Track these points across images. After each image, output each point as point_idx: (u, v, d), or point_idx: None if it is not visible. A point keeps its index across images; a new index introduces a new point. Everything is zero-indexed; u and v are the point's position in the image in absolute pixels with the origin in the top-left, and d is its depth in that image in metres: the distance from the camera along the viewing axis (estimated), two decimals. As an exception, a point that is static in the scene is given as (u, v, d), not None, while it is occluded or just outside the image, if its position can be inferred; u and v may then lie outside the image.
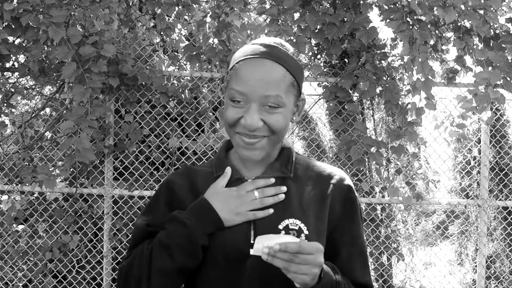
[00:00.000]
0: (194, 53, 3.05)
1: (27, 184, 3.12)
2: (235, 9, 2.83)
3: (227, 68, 3.13)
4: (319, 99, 3.40)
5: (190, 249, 1.17)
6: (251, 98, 1.12)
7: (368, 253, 1.35)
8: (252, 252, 1.10)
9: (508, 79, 2.78)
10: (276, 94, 1.13)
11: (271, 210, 1.19)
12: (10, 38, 2.88)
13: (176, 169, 3.21)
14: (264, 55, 1.14)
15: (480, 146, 3.42)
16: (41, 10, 2.61)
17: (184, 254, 1.17)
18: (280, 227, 1.19)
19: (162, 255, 1.18)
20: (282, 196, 1.21)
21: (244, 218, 1.19)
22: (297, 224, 1.19)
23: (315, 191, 1.24)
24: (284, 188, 1.22)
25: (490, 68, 2.76)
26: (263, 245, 1.06)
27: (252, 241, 1.18)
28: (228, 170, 1.25)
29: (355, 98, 3.32)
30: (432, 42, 2.94)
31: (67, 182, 3.36)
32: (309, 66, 3.14)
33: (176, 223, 1.19)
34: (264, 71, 1.12)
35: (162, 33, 3.34)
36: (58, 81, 3.13)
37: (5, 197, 3.33)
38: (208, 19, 3.21)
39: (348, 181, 1.28)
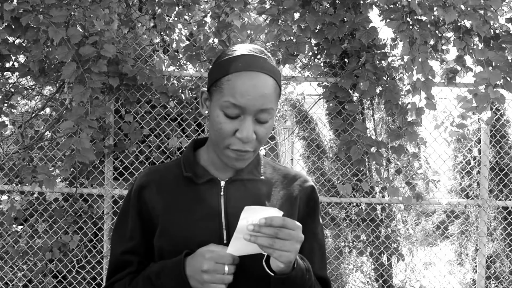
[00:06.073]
0: (194, 53, 3.05)
1: (27, 184, 3.12)
2: (235, 9, 2.83)
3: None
4: (319, 99, 3.40)
5: None
6: (248, 111, 1.13)
7: (326, 250, 1.40)
8: (232, 239, 1.07)
9: (508, 79, 2.78)
10: (271, 107, 1.15)
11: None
12: (10, 38, 2.88)
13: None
14: (259, 69, 1.15)
15: (480, 146, 3.42)
16: (41, 10, 2.61)
17: None
18: None
19: None
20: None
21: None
22: None
23: (283, 192, 1.30)
24: None
25: (490, 68, 2.76)
26: (247, 222, 1.05)
27: (225, 242, 1.18)
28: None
29: (355, 98, 3.32)
30: (432, 42, 2.94)
31: (67, 182, 3.35)
32: (309, 66, 3.14)
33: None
34: (261, 85, 1.14)
35: (162, 33, 3.34)
36: (58, 81, 3.12)
37: (5, 197, 3.33)
38: (208, 19, 3.21)
39: (311, 182, 1.36)
